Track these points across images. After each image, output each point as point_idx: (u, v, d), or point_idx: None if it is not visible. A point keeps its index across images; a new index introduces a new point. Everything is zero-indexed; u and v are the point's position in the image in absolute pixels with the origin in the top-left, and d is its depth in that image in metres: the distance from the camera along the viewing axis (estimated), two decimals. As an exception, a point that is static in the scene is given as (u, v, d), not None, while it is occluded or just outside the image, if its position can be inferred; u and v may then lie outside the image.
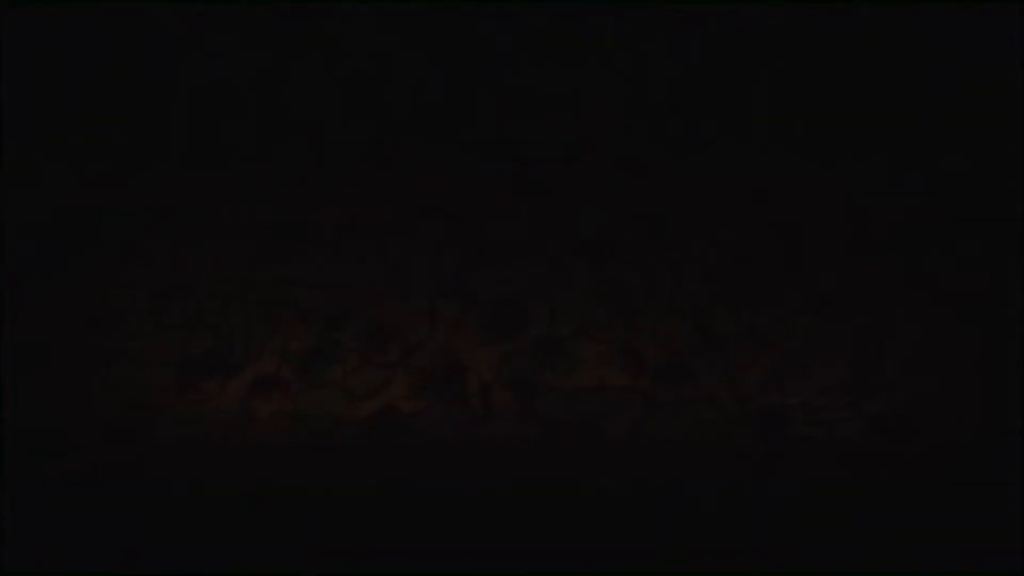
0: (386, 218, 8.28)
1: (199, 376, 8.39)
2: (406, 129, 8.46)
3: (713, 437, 8.51)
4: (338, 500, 8.88)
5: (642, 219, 8.31)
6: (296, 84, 8.63)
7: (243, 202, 8.37)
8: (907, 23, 8.41)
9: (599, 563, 7.15)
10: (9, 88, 8.35)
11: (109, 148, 8.32)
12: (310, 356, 8.33)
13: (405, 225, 8.29)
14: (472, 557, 7.21)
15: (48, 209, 8.42)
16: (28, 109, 8.46)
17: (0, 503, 7.70)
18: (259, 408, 8.41)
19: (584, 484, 8.41)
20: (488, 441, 8.46)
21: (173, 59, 8.57)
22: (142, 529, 7.67)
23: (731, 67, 8.43)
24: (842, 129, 8.28)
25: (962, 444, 8.42)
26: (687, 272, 8.21)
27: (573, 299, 8.29)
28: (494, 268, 8.20)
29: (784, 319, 8.18)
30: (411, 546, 7.30)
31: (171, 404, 8.31)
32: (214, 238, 8.32)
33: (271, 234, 8.36)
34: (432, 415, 8.24)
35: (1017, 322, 8.04)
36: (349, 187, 8.43)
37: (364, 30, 8.62)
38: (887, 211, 8.16)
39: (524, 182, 8.30)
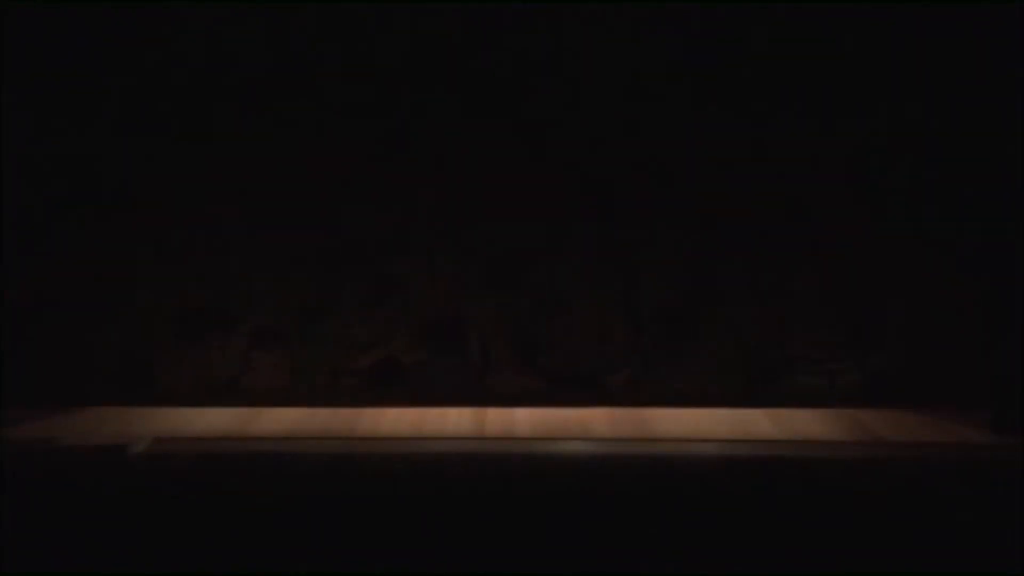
0: (386, 172, 8.25)
1: (199, 329, 8.35)
2: (405, 84, 8.41)
3: (714, 389, 8.52)
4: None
5: (643, 173, 8.26)
6: (295, 44, 8.56)
7: (243, 157, 8.32)
8: None
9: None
10: (12, 43, 8.30)
11: (110, 101, 8.29)
12: (310, 308, 8.29)
13: (405, 179, 8.25)
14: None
15: (48, 161, 8.39)
16: (32, 62, 8.42)
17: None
18: (259, 360, 8.38)
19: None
20: (489, 393, 8.44)
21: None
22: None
23: (734, 22, 8.36)
24: (844, 84, 8.24)
25: (961, 399, 8.40)
26: (688, 226, 8.17)
27: (573, 252, 8.26)
28: (494, 222, 8.16)
29: (785, 273, 8.14)
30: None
31: (171, 357, 8.30)
32: (214, 192, 8.28)
33: (271, 189, 8.30)
34: (432, 367, 8.21)
35: (1018, 279, 8.03)
36: (349, 142, 8.39)
37: None
38: (889, 167, 8.13)
39: (524, 136, 8.25)
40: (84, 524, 7.07)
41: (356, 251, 8.26)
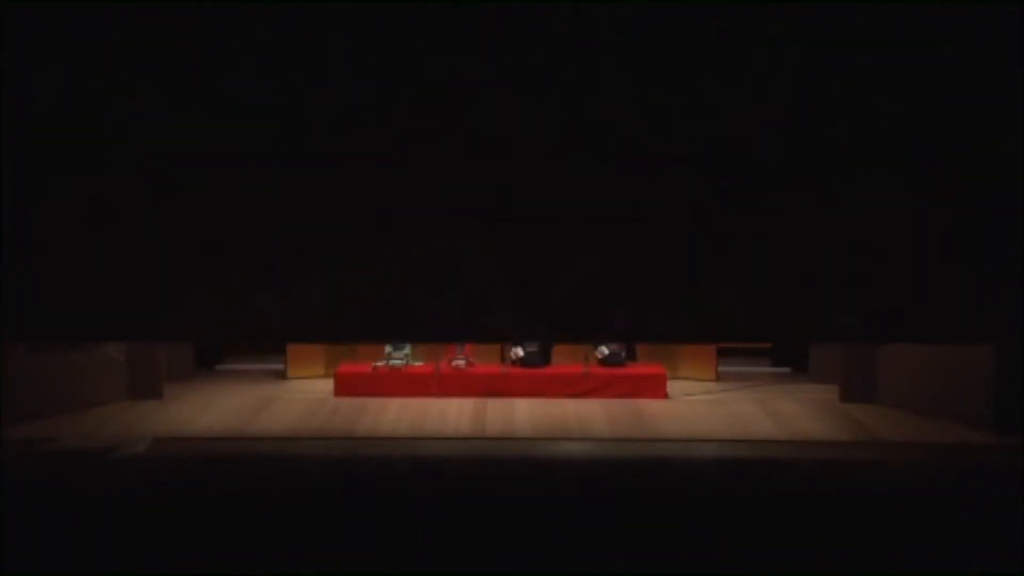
0: (385, 112, 8.18)
1: (199, 269, 8.30)
2: (402, 23, 8.30)
3: (715, 328, 8.49)
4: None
5: (643, 112, 8.20)
6: None
7: (242, 98, 8.24)
8: None
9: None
10: None
11: (110, 39, 8.22)
12: (310, 249, 8.24)
13: (404, 119, 8.18)
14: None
15: (46, 100, 8.33)
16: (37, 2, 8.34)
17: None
18: (258, 300, 8.34)
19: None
20: (488, 332, 8.32)
21: None
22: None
23: None
24: (845, 23, 8.14)
25: (960, 335, 8.37)
26: (690, 164, 8.12)
27: (573, 192, 8.21)
28: (494, 161, 8.10)
29: (786, 213, 8.10)
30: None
31: (171, 296, 8.27)
32: (213, 132, 8.23)
33: (269, 131, 8.24)
34: (432, 308, 8.18)
35: (1017, 218, 7.99)
36: (347, 84, 8.33)
37: None
38: (891, 106, 8.08)
39: (523, 74, 8.18)
40: (84, 524, 7.08)
41: (355, 191, 8.21)
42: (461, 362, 11.08)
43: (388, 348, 11.15)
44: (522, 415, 10.36)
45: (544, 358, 11.19)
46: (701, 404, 10.77)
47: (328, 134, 8.25)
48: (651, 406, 10.66)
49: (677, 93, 8.11)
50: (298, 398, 10.94)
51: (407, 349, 11.19)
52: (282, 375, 11.74)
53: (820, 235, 8.21)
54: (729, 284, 8.22)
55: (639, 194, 8.20)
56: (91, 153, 8.26)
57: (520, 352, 11.12)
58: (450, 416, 10.32)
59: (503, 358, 11.41)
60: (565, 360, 11.41)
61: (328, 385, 11.13)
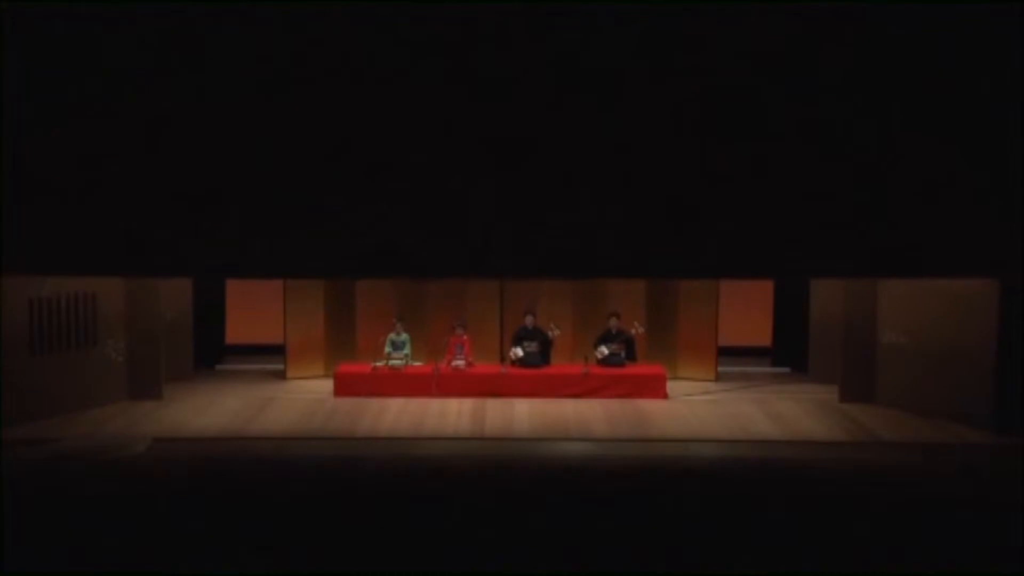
0: (385, 53, 8.14)
1: (194, 210, 8.26)
2: None
3: (716, 268, 8.46)
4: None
5: (643, 54, 8.17)
6: None
7: (240, 42, 8.20)
8: None
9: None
10: None
11: None
12: (308, 189, 8.20)
13: (405, 61, 8.15)
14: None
15: (43, 43, 8.31)
16: None
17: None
18: (255, 241, 8.31)
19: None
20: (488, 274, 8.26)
21: None
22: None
23: None
24: None
25: (966, 269, 8.34)
26: (688, 105, 8.10)
27: (574, 133, 8.19)
28: (495, 104, 8.05)
29: (784, 151, 8.06)
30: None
31: (166, 237, 8.25)
32: (210, 76, 8.20)
33: (268, 74, 8.21)
34: (432, 249, 8.15)
35: (1017, 160, 7.96)
36: (348, 25, 8.30)
37: None
38: (891, 43, 8.05)
39: (524, 16, 8.14)
40: (84, 524, 7.08)
41: (355, 132, 8.18)
42: (461, 362, 11.08)
43: (388, 348, 11.15)
44: (522, 415, 10.36)
45: (544, 358, 11.19)
46: (701, 404, 10.77)
47: (327, 78, 8.25)
48: (651, 406, 10.66)
49: (673, 35, 8.14)
50: (298, 398, 10.94)
51: (407, 349, 11.19)
52: (282, 375, 11.74)
53: (819, 172, 8.20)
54: (728, 221, 8.22)
55: (637, 135, 8.21)
56: (90, 97, 8.28)
57: (519, 352, 11.12)
58: (450, 416, 10.32)
59: (503, 358, 11.41)
60: (565, 361, 11.42)
61: (328, 385, 11.13)
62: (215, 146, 8.38)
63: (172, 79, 8.35)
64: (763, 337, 12.59)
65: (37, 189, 8.42)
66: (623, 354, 11.19)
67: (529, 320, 11.19)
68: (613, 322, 11.15)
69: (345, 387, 10.99)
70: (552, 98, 8.25)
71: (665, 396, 10.96)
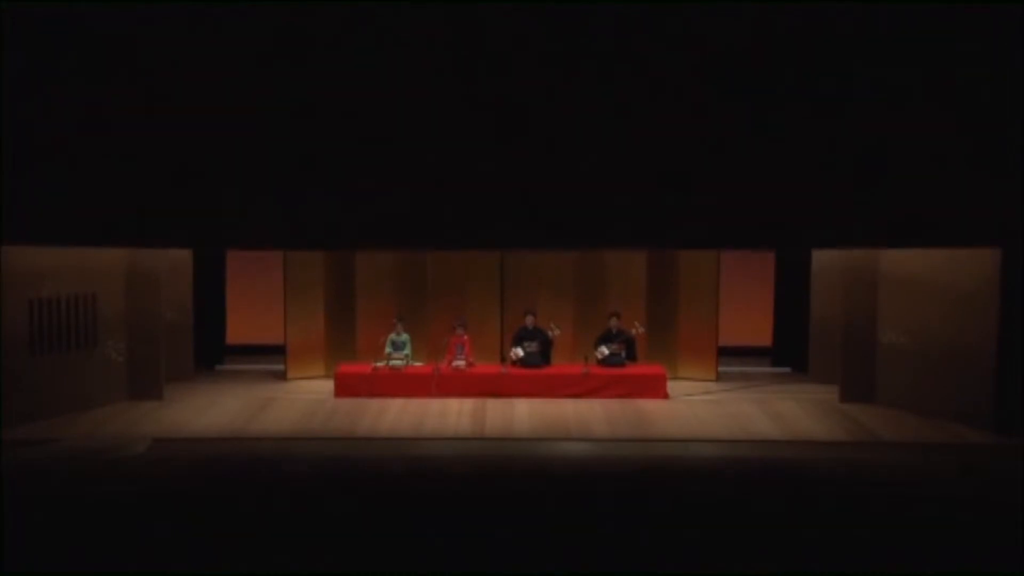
0: (387, 23, 8.12)
1: (193, 179, 8.23)
2: None
3: (718, 236, 8.43)
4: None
5: (644, 21, 8.16)
6: None
7: (241, 9, 8.20)
8: None
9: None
10: None
11: None
12: (311, 158, 8.18)
13: (406, 29, 8.13)
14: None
15: (45, 14, 8.30)
16: None
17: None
18: (254, 211, 8.29)
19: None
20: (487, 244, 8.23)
21: None
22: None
23: None
24: None
25: (966, 238, 8.33)
26: (691, 73, 8.08)
27: (574, 101, 8.17)
28: (498, 72, 8.03)
29: (790, 120, 8.04)
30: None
31: (164, 206, 8.23)
32: (210, 38, 8.19)
33: (269, 37, 8.20)
34: (433, 216, 8.11)
35: (1017, 126, 7.94)
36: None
37: None
38: (895, 10, 8.03)
39: None
40: (84, 524, 7.09)
41: (355, 102, 8.17)
42: (461, 363, 11.08)
43: (388, 348, 11.15)
44: (522, 415, 10.35)
45: (544, 358, 11.19)
46: (701, 404, 10.76)
47: (329, 45, 8.23)
48: (651, 406, 10.65)
49: (679, 2, 8.13)
50: (298, 398, 10.93)
51: (407, 350, 11.19)
52: (282, 375, 11.74)
53: (825, 141, 8.18)
54: (733, 190, 8.20)
55: (642, 104, 8.18)
56: (91, 65, 8.26)
57: (520, 352, 11.12)
58: (450, 416, 10.32)
59: (503, 358, 11.41)
60: (565, 361, 11.42)
61: (328, 386, 11.13)
62: (215, 115, 8.35)
63: (173, 47, 8.32)
64: (763, 337, 12.59)
65: (37, 158, 8.38)
66: (623, 354, 11.19)
67: (529, 320, 11.19)
68: (613, 322, 11.16)
69: (345, 387, 10.99)
70: (553, 66, 8.20)
71: (665, 396, 10.96)
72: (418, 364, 11.28)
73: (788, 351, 12.38)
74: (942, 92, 8.13)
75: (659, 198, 8.34)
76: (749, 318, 12.46)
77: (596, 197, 8.29)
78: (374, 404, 10.65)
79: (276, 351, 12.01)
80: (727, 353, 12.08)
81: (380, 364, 11.10)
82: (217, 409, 10.48)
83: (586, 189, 8.25)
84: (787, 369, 12.36)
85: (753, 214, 8.25)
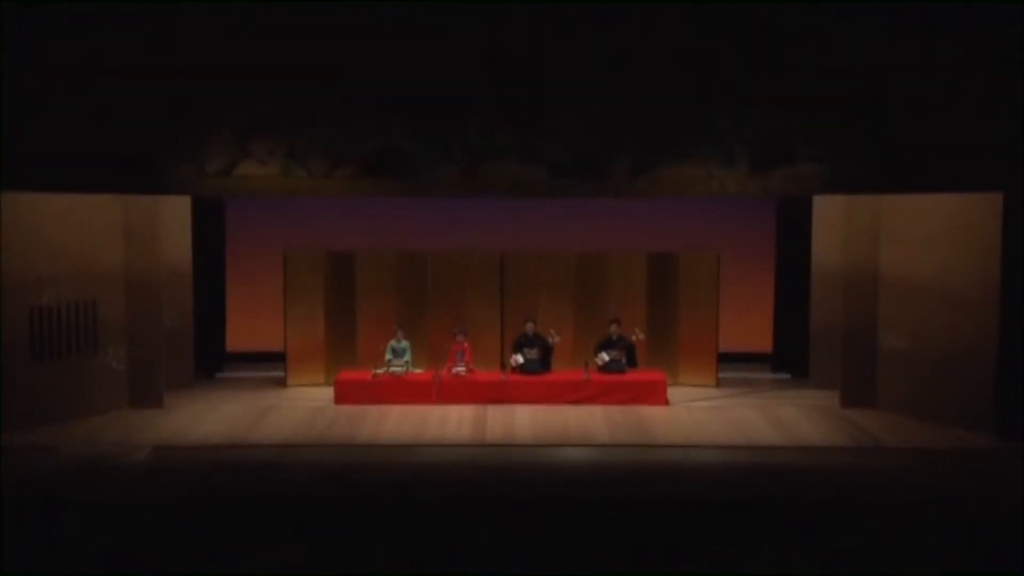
0: None
1: (194, 116, 8.20)
2: None
3: (717, 177, 8.39)
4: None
5: None
6: None
7: None
8: None
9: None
10: None
11: None
12: (307, 96, 8.15)
13: None
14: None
15: None
16: None
17: None
18: (254, 147, 8.27)
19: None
20: (488, 186, 8.34)
21: None
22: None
23: None
24: None
25: (963, 182, 8.33)
26: (691, 14, 8.09)
27: (576, 44, 8.15)
28: (495, 11, 8.00)
29: (787, 60, 8.03)
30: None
31: (166, 145, 8.21)
32: None
33: None
34: (432, 155, 8.08)
35: (1019, 66, 7.92)
36: None
37: None
38: None
39: None
40: (84, 532, 7.08)
41: (356, 39, 8.15)
42: (461, 369, 11.07)
43: (388, 355, 11.14)
44: (522, 422, 10.34)
45: (544, 365, 11.19)
46: (701, 410, 10.76)
47: None
48: (651, 412, 10.64)
49: None
50: (298, 406, 10.92)
51: (407, 356, 11.19)
52: (282, 383, 11.73)
53: (823, 83, 8.16)
54: (730, 131, 8.20)
55: (638, 44, 8.17)
56: (88, 9, 8.25)
57: (520, 359, 11.12)
58: (450, 423, 10.31)
59: (503, 365, 11.40)
60: (565, 367, 11.42)
61: (328, 393, 11.12)
62: (215, 55, 8.33)
63: None
64: (764, 343, 12.57)
65: (35, 105, 8.35)
66: (624, 360, 11.18)
67: (529, 327, 11.19)
68: (613, 328, 11.15)
69: (346, 394, 10.97)
70: (552, 4, 8.20)
71: (666, 402, 10.95)
72: (418, 371, 11.27)
73: (788, 357, 12.37)
74: (941, 32, 8.13)
75: (655, 140, 8.35)
76: (749, 324, 12.45)
77: (594, 137, 8.28)
78: (374, 411, 10.64)
79: (276, 358, 11.99)
80: (727, 359, 12.06)
81: (380, 371, 11.09)
82: (217, 416, 10.47)
83: (584, 130, 8.25)
84: (788, 375, 12.32)
85: (748, 156, 8.24)
